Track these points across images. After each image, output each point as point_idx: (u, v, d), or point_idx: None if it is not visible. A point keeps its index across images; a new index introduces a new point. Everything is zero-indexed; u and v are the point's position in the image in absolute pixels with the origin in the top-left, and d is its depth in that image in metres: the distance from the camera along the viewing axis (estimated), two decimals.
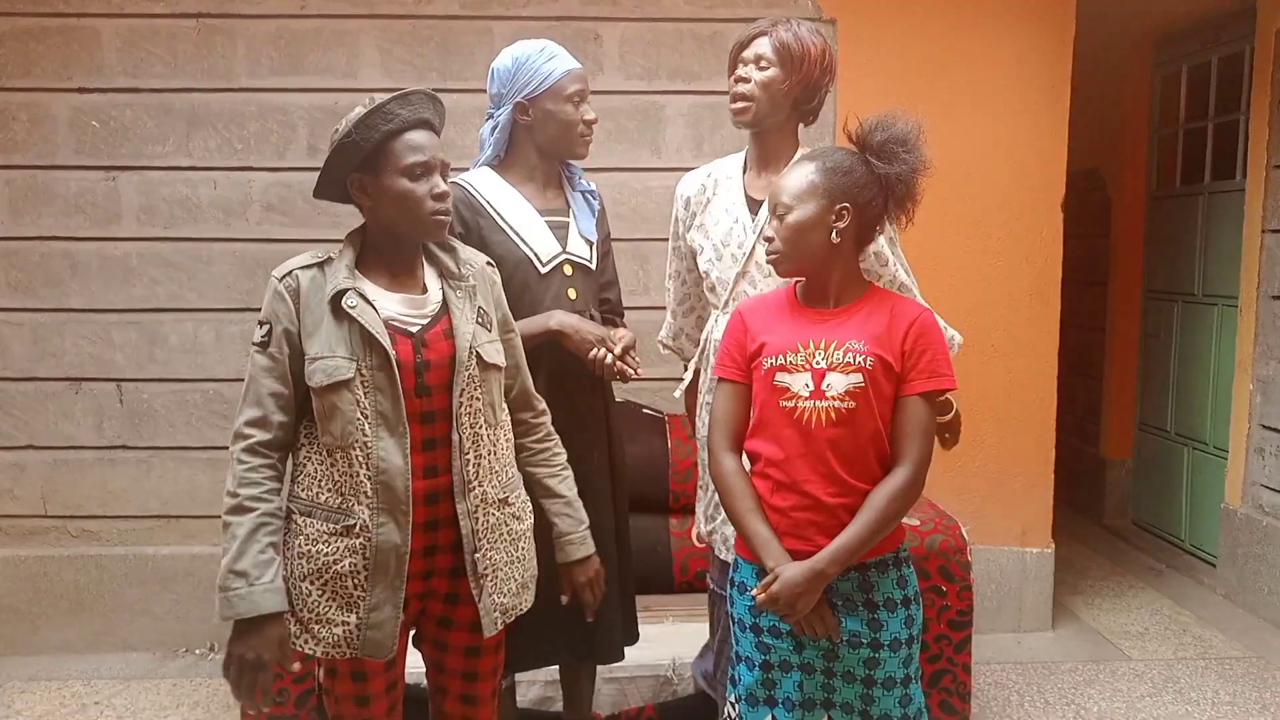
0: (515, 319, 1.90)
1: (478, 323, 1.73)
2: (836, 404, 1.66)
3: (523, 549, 1.81)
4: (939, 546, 2.69)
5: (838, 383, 1.67)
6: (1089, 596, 3.99)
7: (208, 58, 3.28)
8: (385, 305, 1.66)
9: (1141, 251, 4.81)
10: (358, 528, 1.62)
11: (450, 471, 1.68)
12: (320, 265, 1.66)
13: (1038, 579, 3.59)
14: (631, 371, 2.06)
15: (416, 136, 1.65)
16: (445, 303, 1.72)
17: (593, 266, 2.19)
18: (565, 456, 1.94)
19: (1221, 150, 4.23)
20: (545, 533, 1.89)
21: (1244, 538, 3.85)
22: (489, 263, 1.85)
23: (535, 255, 2.10)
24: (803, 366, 1.69)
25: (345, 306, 1.61)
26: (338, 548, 1.62)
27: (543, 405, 1.92)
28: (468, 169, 2.18)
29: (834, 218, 1.70)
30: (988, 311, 3.44)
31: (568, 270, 2.13)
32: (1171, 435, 4.58)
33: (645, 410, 3.18)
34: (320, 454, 1.64)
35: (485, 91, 2.16)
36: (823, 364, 1.68)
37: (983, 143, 3.39)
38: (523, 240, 2.09)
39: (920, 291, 2.05)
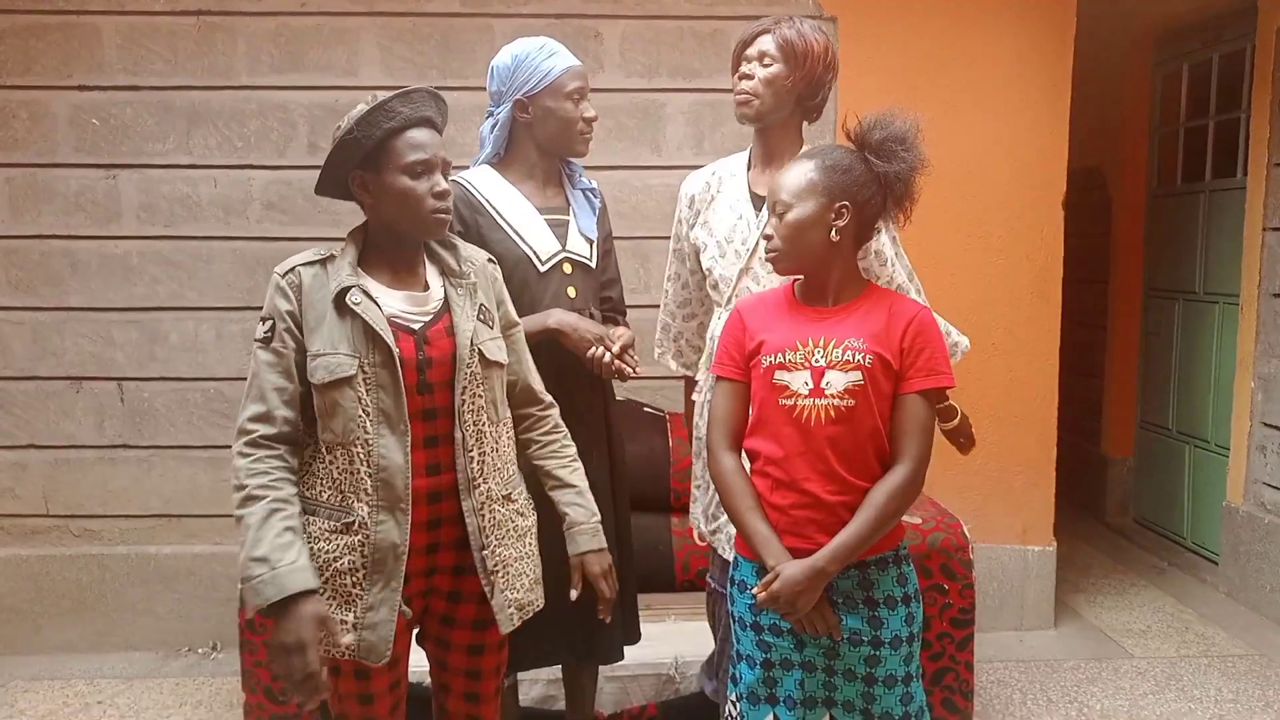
0: None
1: (479, 320, 1.73)
2: (836, 402, 1.66)
3: (529, 545, 1.82)
4: (941, 544, 2.69)
5: (837, 381, 1.67)
6: (1091, 594, 3.99)
7: (208, 55, 3.28)
8: (388, 303, 1.66)
9: (1142, 249, 4.81)
10: (356, 525, 1.62)
11: (454, 469, 1.68)
12: (322, 262, 1.66)
13: (1039, 577, 3.59)
14: (630, 370, 2.06)
15: (418, 134, 1.65)
16: (447, 300, 1.72)
17: (593, 264, 2.19)
18: (575, 449, 1.93)
19: (1222, 148, 4.22)
20: (546, 531, 1.89)
21: (1246, 535, 3.85)
22: (490, 259, 1.85)
23: (534, 253, 2.10)
24: (802, 365, 1.69)
25: (350, 303, 1.61)
26: (337, 545, 1.62)
27: (549, 398, 1.92)
28: (468, 167, 2.18)
29: (833, 216, 1.70)
30: (989, 309, 3.43)
31: (567, 268, 2.13)
32: (1173, 433, 4.58)
33: (646, 409, 3.18)
34: (321, 451, 1.64)
35: (485, 89, 2.16)
36: (822, 362, 1.68)
37: (984, 140, 3.39)
38: (522, 238, 2.09)
39: (927, 298, 2.03)
